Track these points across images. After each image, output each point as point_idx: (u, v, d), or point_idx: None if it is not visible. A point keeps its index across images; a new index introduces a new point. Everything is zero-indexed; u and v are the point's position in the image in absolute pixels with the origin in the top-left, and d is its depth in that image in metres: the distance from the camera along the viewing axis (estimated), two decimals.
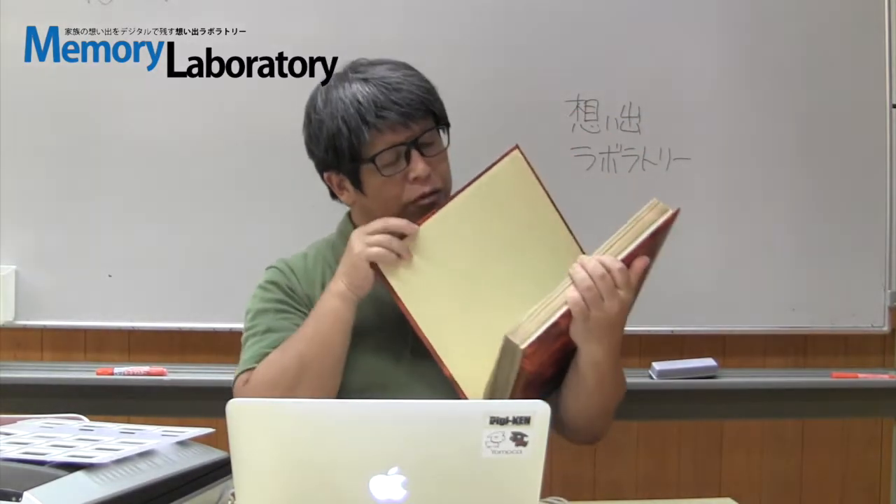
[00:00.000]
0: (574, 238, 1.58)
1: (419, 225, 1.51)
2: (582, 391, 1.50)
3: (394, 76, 1.57)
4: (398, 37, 2.48)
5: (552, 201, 1.59)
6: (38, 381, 2.42)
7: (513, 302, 1.46)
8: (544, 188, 1.58)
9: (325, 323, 1.52)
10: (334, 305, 1.51)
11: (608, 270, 1.39)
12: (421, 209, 1.56)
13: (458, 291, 1.51)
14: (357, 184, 1.59)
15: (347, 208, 1.70)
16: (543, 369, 1.46)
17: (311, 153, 1.64)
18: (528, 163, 1.57)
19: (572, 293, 1.39)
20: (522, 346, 1.37)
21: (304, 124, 1.64)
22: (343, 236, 1.64)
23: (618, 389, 1.57)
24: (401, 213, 1.55)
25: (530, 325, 1.39)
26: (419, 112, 1.55)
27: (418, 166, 1.54)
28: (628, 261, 1.42)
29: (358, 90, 1.56)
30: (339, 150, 1.57)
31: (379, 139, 1.54)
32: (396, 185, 1.56)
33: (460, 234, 1.53)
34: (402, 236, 1.51)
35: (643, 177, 2.54)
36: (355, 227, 1.63)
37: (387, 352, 1.58)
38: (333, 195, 1.68)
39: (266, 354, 1.56)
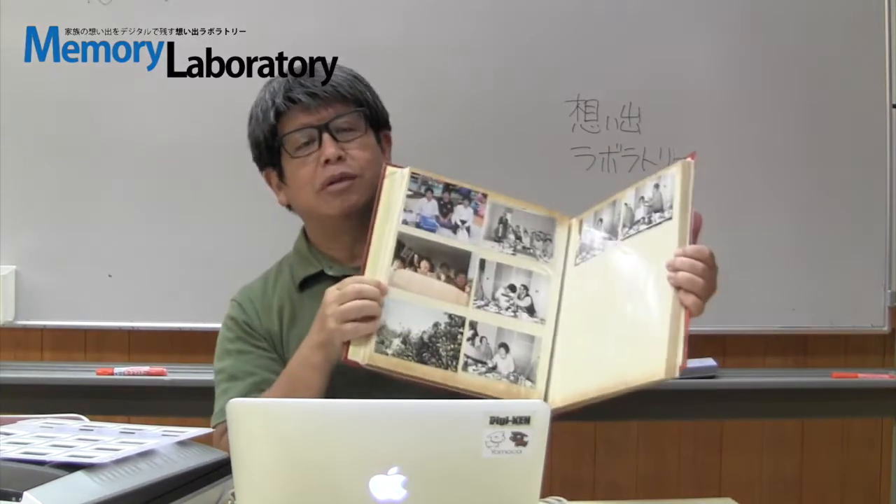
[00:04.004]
0: None
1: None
2: None
3: (316, 70, 1.62)
4: (398, 37, 2.48)
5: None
6: (38, 381, 2.42)
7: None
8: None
9: (301, 396, 1.46)
10: (311, 379, 1.47)
11: (702, 261, 1.35)
12: (334, 196, 1.56)
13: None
14: (282, 176, 1.62)
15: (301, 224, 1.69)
16: None
17: (252, 155, 1.67)
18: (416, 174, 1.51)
19: (688, 299, 1.34)
20: (678, 374, 1.33)
21: None
22: (297, 253, 1.66)
23: None
24: (316, 200, 1.57)
25: (664, 350, 1.32)
26: (328, 95, 1.57)
27: (328, 149, 1.55)
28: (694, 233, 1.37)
29: (275, 82, 1.62)
30: (258, 141, 1.62)
31: (289, 121, 1.57)
32: (309, 167, 1.57)
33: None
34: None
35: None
36: (309, 242, 1.65)
37: (339, 367, 1.53)
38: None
39: None
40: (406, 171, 1.51)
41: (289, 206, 1.66)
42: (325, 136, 1.56)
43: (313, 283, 1.63)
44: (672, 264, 1.35)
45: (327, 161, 1.55)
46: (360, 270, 1.48)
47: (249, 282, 1.70)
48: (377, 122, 1.63)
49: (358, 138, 1.58)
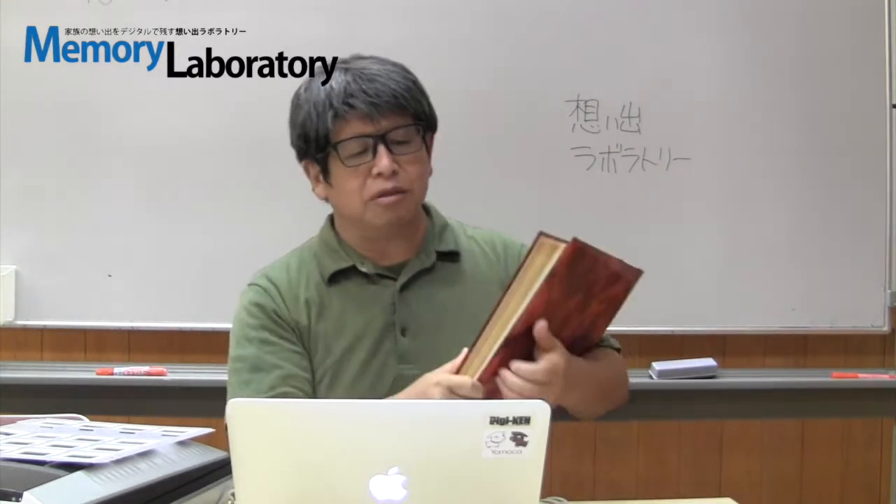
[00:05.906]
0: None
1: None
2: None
3: (374, 68, 1.53)
4: (398, 37, 2.48)
5: None
6: (38, 381, 2.42)
7: None
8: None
9: None
10: None
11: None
12: (383, 208, 1.51)
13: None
14: (326, 174, 1.55)
15: (329, 212, 1.65)
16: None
17: (291, 141, 1.60)
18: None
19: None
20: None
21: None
22: (325, 245, 1.61)
23: (608, 401, 1.55)
24: (363, 210, 1.52)
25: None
26: (389, 105, 1.49)
27: (382, 162, 1.48)
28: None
29: (335, 77, 1.52)
30: (307, 136, 1.53)
31: (345, 127, 1.50)
32: (359, 177, 1.51)
33: None
34: None
35: (643, 177, 2.54)
36: (336, 233, 1.60)
37: (374, 363, 1.54)
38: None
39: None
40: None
41: (325, 198, 1.60)
42: (381, 147, 1.49)
43: (342, 277, 1.58)
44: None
45: (380, 174, 1.49)
46: (391, 269, 1.52)
47: (265, 267, 1.63)
48: (429, 129, 1.58)
49: (413, 152, 1.53)
